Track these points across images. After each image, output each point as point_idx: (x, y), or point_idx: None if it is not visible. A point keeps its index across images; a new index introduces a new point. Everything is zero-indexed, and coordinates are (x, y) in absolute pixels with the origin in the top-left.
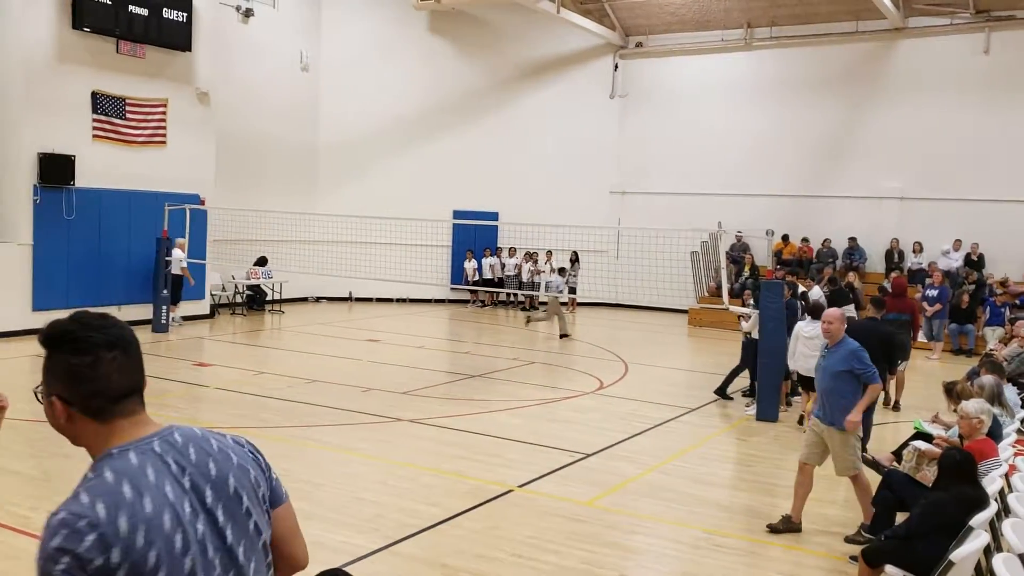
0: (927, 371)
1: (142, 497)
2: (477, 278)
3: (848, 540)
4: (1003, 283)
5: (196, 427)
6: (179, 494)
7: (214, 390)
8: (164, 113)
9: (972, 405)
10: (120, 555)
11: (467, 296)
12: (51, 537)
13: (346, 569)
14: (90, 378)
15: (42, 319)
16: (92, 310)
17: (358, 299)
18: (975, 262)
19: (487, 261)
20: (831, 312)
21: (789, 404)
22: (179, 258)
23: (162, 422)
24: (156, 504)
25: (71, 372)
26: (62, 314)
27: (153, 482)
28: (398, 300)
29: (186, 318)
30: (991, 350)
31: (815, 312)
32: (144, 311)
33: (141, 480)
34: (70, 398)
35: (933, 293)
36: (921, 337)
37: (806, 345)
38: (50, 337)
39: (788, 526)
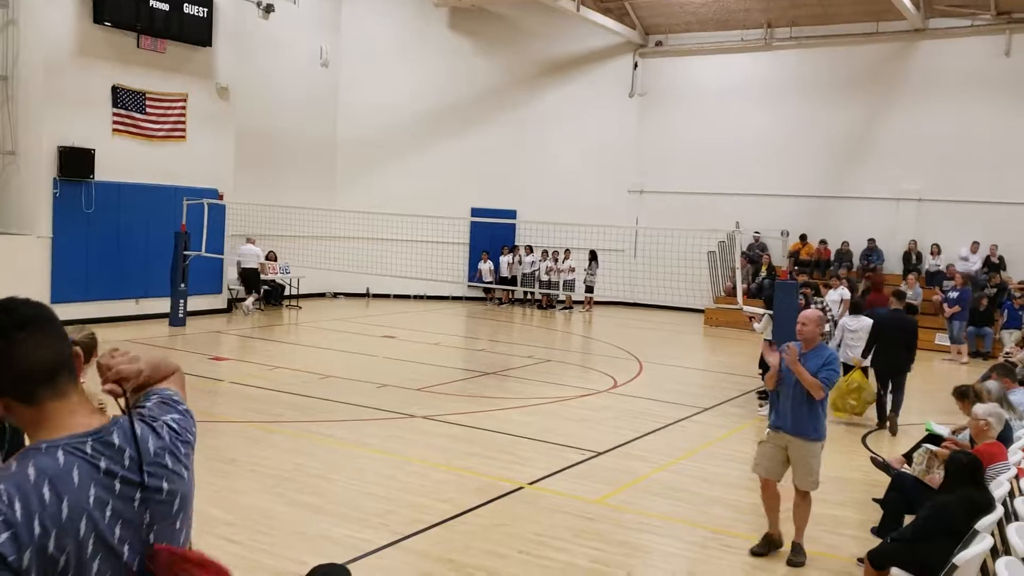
0: (952, 375)
1: (60, 501)
2: (492, 278)
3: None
4: (1022, 286)
5: (148, 423)
6: (103, 499)
7: (229, 384)
8: (184, 108)
9: (981, 408)
10: (30, 557)
11: (483, 294)
12: None
13: (354, 564)
14: (9, 361)
15: (61, 312)
16: (113, 302)
17: (376, 295)
18: (995, 264)
19: (504, 259)
20: (807, 314)
21: None
22: (255, 253)
23: (108, 415)
24: (73, 509)
25: None
26: (81, 307)
27: (76, 485)
28: (415, 297)
29: (203, 312)
30: (1007, 352)
31: (856, 308)
32: (162, 304)
33: (64, 482)
34: (1, 387)
35: (953, 295)
36: (942, 339)
37: (850, 337)
38: None
39: (770, 545)
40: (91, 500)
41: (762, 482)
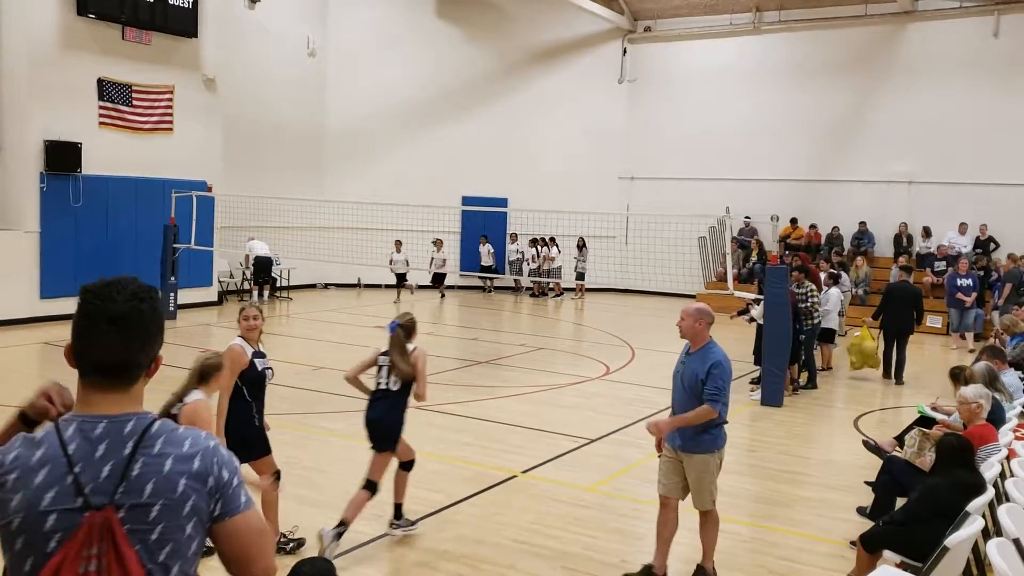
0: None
1: (40, 469)
2: (492, 262)
3: None
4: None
5: (165, 433)
6: (74, 484)
7: None
8: (171, 100)
9: (970, 390)
10: None
11: (475, 282)
12: None
13: (349, 555)
14: (84, 340)
15: (50, 307)
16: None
17: (367, 285)
18: (984, 243)
19: (484, 248)
20: (685, 308)
21: (796, 391)
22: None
23: (150, 411)
24: (48, 480)
25: (73, 328)
26: (70, 302)
27: (64, 460)
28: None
29: (193, 305)
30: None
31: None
32: None
33: (54, 453)
34: (72, 346)
35: (967, 282)
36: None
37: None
38: (80, 289)
39: None
40: (68, 479)
41: (661, 500)
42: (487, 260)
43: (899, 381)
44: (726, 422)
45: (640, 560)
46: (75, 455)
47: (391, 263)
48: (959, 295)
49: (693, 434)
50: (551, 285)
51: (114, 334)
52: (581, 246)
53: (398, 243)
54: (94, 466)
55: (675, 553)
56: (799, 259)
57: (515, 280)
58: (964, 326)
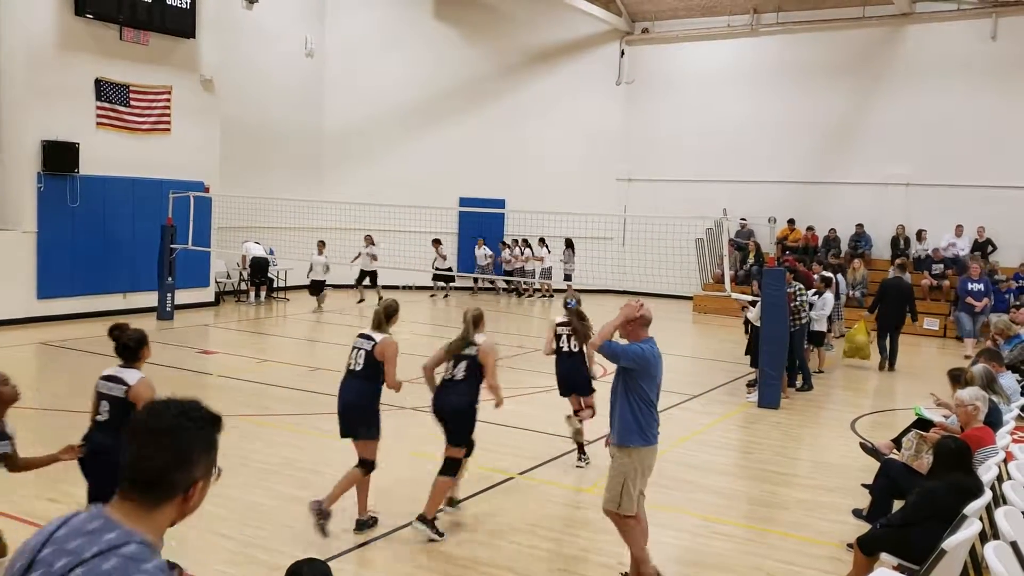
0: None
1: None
2: (487, 263)
3: None
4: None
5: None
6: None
7: (217, 378)
8: (168, 100)
9: (967, 392)
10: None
11: (470, 284)
12: None
13: (346, 556)
14: (126, 449)
15: (47, 307)
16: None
17: (364, 286)
18: (982, 245)
19: (481, 251)
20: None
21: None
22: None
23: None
24: (21, 553)
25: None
26: (68, 302)
27: (50, 547)
28: (404, 287)
29: (191, 306)
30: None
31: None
32: (149, 299)
33: (45, 531)
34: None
35: (978, 287)
36: (930, 324)
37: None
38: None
39: None
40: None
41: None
42: (483, 262)
43: (892, 368)
44: (653, 425)
45: None
46: (55, 538)
47: (315, 267)
48: (969, 299)
49: (618, 426)
50: (525, 285)
51: (151, 447)
52: (568, 246)
53: (321, 244)
54: (58, 555)
55: (671, 555)
56: (787, 260)
57: (490, 281)
58: (976, 332)
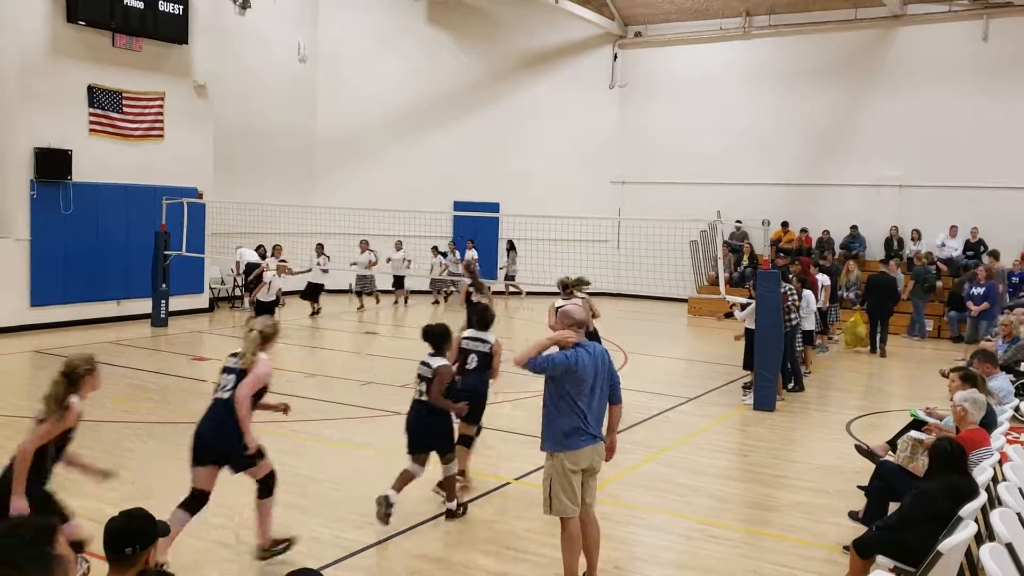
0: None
1: None
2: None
3: None
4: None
5: None
6: None
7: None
8: (161, 106)
9: (959, 394)
10: None
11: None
12: None
13: (342, 563)
14: None
15: (40, 315)
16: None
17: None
18: (975, 246)
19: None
20: (561, 309)
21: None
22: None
23: None
24: None
25: None
26: (61, 309)
27: None
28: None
29: (185, 312)
30: (988, 337)
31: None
32: (143, 305)
33: None
34: None
35: (979, 291)
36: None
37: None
38: None
39: None
40: None
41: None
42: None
43: (883, 354)
44: (577, 431)
45: (635, 566)
46: None
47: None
48: (970, 303)
49: (541, 431)
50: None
51: None
52: (510, 248)
53: (319, 247)
54: None
55: (666, 559)
56: (779, 262)
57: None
58: (969, 336)
